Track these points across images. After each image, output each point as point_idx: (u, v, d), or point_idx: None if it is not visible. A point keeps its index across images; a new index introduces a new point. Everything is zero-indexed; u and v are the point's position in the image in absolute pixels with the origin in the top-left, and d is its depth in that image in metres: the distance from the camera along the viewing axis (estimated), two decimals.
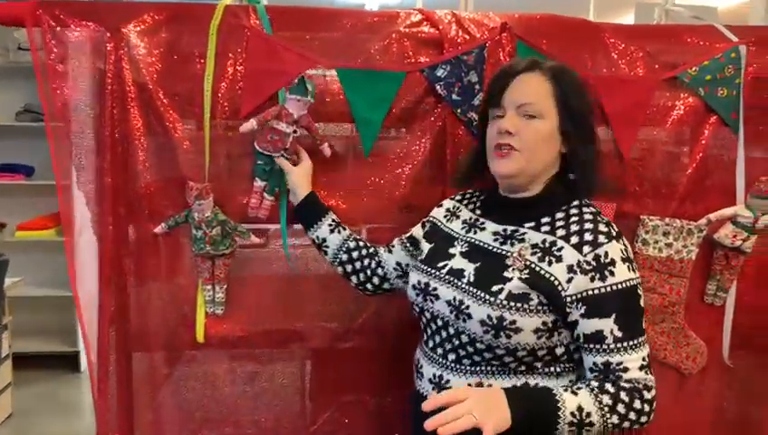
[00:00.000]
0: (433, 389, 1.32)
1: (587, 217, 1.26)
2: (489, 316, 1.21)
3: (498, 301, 1.21)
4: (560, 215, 1.28)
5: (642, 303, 1.24)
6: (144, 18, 1.52)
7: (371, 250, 1.55)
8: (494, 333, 1.20)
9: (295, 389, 1.70)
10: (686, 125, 1.70)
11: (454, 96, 1.59)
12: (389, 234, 1.61)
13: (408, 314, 1.63)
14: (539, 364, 1.25)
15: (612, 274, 1.20)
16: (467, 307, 1.24)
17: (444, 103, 1.61)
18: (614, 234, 1.24)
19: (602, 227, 1.24)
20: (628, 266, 1.22)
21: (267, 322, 1.65)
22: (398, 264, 1.52)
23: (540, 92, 1.27)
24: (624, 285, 1.20)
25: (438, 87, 1.59)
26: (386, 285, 1.55)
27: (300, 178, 1.52)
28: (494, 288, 1.22)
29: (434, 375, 1.32)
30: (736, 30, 1.73)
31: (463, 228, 1.39)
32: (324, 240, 1.53)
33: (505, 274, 1.23)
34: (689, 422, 1.81)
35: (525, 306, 1.20)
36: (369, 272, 1.54)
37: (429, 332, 1.35)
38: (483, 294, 1.23)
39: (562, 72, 1.30)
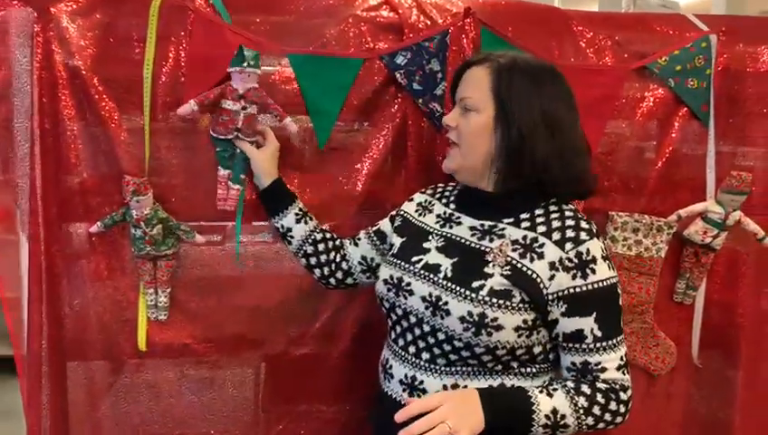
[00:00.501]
0: (404, 390, 1.25)
1: (567, 213, 1.23)
2: (470, 313, 1.16)
3: (480, 297, 1.16)
4: (539, 211, 1.25)
5: (621, 302, 1.22)
6: None
7: (337, 242, 1.48)
8: (474, 331, 1.16)
9: (247, 399, 1.60)
10: (655, 117, 1.66)
11: (415, 85, 1.50)
12: (349, 231, 1.53)
13: (368, 316, 1.57)
14: (516, 364, 1.21)
15: (594, 271, 1.17)
16: (446, 303, 1.19)
17: (404, 93, 1.52)
18: (594, 231, 1.22)
19: (584, 225, 1.21)
20: (608, 265, 1.20)
21: (216, 327, 1.54)
22: (364, 258, 1.46)
23: (478, 86, 1.25)
24: (605, 283, 1.18)
25: (398, 75, 1.50)
26: (349, 280, 1.49)
27: (264, 163, 1.43)
28: (475, 284, 1.18)
29: (405, 376, 1.25)
30: (706, 19, 1.69)
31: (437, 223, 1.34)
32: (290, 229, 1.45)
33: (486, 269, 1.19)
34: (659, 424, 1.77)
35: (507, 303, 1.16)
36: (333, 266, 1.47)
37: (399, 329, 1.28)
38: (463, 290, 1.18)
39: (512, 64, 1.24)
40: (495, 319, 1.15)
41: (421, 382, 1.23)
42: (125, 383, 1.53)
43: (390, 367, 1.29)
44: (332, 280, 1.48)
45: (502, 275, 1.18)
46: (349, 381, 1.60)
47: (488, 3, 1.59)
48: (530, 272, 1.18)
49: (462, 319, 1.16)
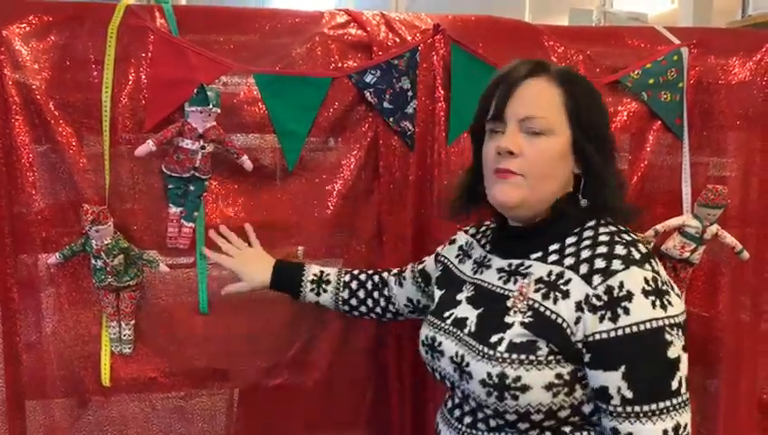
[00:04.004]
0: None
1: (602, 238, 1.01)
2: (489, 374, 0.98)
3: (498, 354, 0.98)
4: (571, 240, 1.04)
5: (674, 352, 0.95)
6: (29, 19, 1.33)
7: (375, 281, 1.40)
8: (497, 395, 0.97)
9: (218, 434, 1.52)
10: (629, 132, 1.63)
11: (385, 104, 1.46)
12: (320, 253, 1.50)
13: (344, 343, 1.52)
14: (567, 429, 1.00)
15: (627, 312, 0.93)
16: (467, 364, 1.02)
17: (375, 112, 1.48)
18: (636, 258, 0.97)
19: (619, 250, 0.98)
20: (653, 302, 0.94)
21: (183, 359, 1.47)
22: (410, 300, 1.37)
23: (549, 103, 1.03)
24: (642, 327, 0.93)
25: (368, 94, 1.46)
26: (401, 318, 1.42)
27: (257, 268, 1.38)
28: (493, 339, 1.00)
29: None
30: (677, 32, 1.68)
31: (472, 269, 1.16)
32: (317, 303, 1.40)
33: (506, 319, 1.01)
34: None
35: (532, 358, 0.96)
36: (379, 310, 1.40)
37: (448, 393, 1.15)
38: (482, 348, 1.00)
39: (575, 77, 1.09)
40: (518, 378, 0.95)
41: None
42: (88, 422, 1.46)
43: (440, 432, 1.14)
44: (384, 319, 1.42)
45: (522, 323, 0.99)
46: (324, 412, 1.53)
47: (458, 19, 1.56)
48: (554, 316, 0.97)
49: (483, 382, 0.98)
